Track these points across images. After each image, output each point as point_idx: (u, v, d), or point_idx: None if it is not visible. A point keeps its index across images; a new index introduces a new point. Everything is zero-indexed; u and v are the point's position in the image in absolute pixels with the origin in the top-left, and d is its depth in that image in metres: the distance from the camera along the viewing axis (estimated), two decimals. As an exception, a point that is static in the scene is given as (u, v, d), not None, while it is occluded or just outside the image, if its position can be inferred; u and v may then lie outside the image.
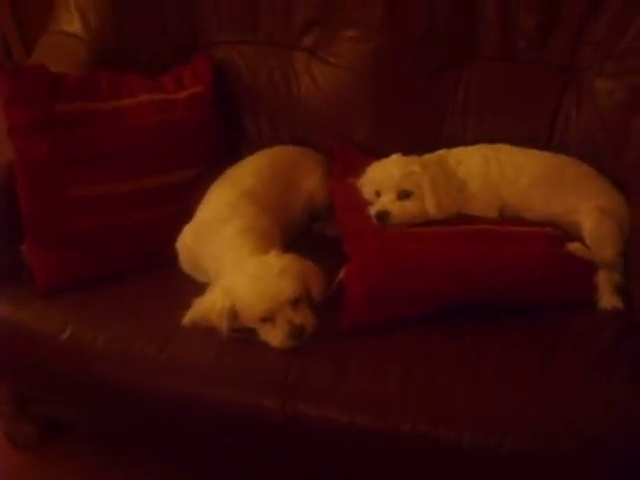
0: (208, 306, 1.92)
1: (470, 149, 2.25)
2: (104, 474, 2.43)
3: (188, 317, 1.95)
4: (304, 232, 2.34)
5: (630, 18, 2.22)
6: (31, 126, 2.11)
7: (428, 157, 2.23)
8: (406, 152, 2.23)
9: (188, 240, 2.12)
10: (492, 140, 2.29)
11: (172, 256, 2.16)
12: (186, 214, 2.18)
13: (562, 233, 2.10)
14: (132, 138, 2.22)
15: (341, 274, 1.98)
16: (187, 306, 1.97)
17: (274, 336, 1.89)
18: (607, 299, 1.95)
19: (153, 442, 2.21)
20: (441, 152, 2.27)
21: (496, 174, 2.17)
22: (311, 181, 2.33)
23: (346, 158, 2.36)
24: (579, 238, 2.08)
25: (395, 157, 2.18)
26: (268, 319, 1.88)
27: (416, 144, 2.34)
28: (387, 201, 2.11)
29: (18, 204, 2.13)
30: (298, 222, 2.31)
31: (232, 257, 1.98)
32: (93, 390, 2.06)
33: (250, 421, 1.89)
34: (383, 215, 2.08)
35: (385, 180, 2.13)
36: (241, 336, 1.92)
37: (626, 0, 2.22)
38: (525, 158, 2.20)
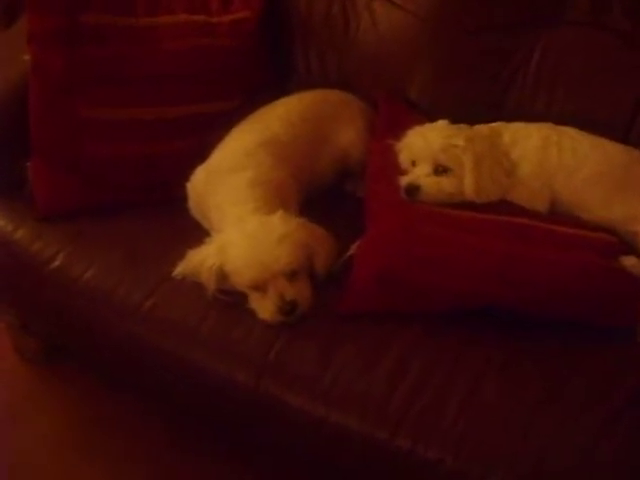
0: (199, 261, 1.76)
1: (531, 127, 1.94)
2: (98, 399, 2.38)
3: (179, 269, 1.80)
4: (333, 189, 2.12)
5: None
6: (50, 35, 1.96)
7: (480, 129, 1.94)
8: (459, 118, 1.96)
9: (198, 184, 1.94)
10: (561, 119, 1.98)
11: (184, 194, 1.99)
12: (207, 151, 2.00)
13: (619, 242, 1.81)
14: (161, 61, 2.05)
15: (352, 249, 1.77)
16: (183, 255, 1.82)
17: (263, 307, 1.71)
18: None
19: (136, 383, 2.06)
20: (497, 125, 1.97)
21: (554, 161, 1.87)
22: (348, 134, 2.09)
23: (392, 113, 2.10)
24: (637, 251, 1.79)
25: (441, 124, 1.91)
26: (259, 288, 1.70)
27: (474, 110, 2.08)
28: (421, 174, 1.85)
29: (28, 118, 1.99)
30: (326, 178, 2.09)
31: (235, 211, 1.80)
32: (76, 325, 1.96)
33: (222, 391, 1.74)
34: (413, 189, 1.83)
35: (423, 150, 1.86)
36: (230, 299, 1.76)
37: None
38: (590, 148, 1.88)
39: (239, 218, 1.76)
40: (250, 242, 1.69)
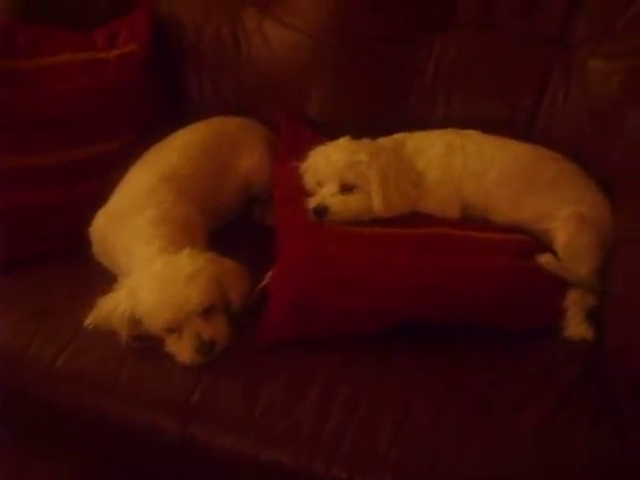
0: (110, 309, 1.68)
1: (434, 135, 1.93)
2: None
3: (90, 319, 1.71)
4: (241, 218, 2.07)
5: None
6: None
7: (383, 142, 1.91)
8: (363, 132, 1.93)
9: (100, 228, 1.86)
10: (463, 122, 1.96)
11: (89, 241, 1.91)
12: (107, 193, 1.92)
13: (533, 241, 1.80)
14: (50, 104, 1.97)
15: (266, 279, 1.72)
16: (94, 304, 1.73)
17: (180, 350, 1.64)
18: (575, 327, 1.67)
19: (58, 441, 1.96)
20: (400, 136, 1.94)
21: (460, 167, 1.85)
22: (249, 161, 2.04)
23: (294, 135, 2.06)
24: (551, 249, 1.78)
25: (342, 141, 1.87)
26: (174, 330, 1.63)
27: (376, 122, 2.06)
28: (327, 194, 1.81)
29: None
30: (231, 208, 2.03)
31: (141, 253, 1.73)
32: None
33: (147, 441, 1.66)
34: (321, 210, 1.79)
35: (327, 169, 1.83)
36: (145, 345, 1.68)
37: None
38: (496, 149, 1.87)
39: (146, 260, 1.69)
40: (159, 284, 1.62)
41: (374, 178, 1.79)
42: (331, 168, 1.82)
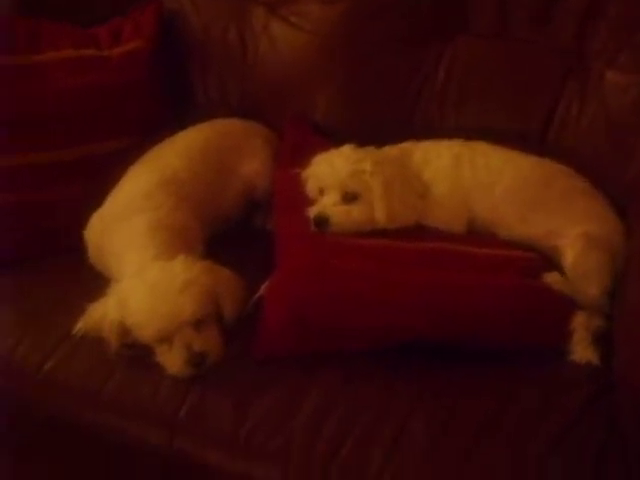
0: (99, 316, 1.62)
1: (442, 145, 1.87)
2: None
3: (79, 326, 1.66)
4: (242, 223, 2.01)
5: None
6: None
7: (389, 150, 1.86)
8: (368, 139, 1.87)
9: (95, 232, 1.81)
10: (473, 132, 1.90)
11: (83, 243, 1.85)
12: (104, 194, 1.87)
13: (540, 259, 1.74)
14: (50, 101, 1.92)
15: (262, 290, 1.66)
16: (84, 309, 1.67)
17: (170, 361, 1.58)
18: (581, 351, 1.60)
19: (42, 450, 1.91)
20: (407, 145, 1.89)
21: (467, 179, 1.80)
22: (252, 165, 1.98)
23: (297, 139, 2.00)
24: (560, 267, 1.71)
25: (347, 149, 1.81)
26: (164, 340, 1.57)
27: (382, 130, 2.01)
28: (329, 203, 1.75)
29: None
30: (232, 213, 1.97)
31: (135, 259, 1.67)
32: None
33: (133, 454, 1.60)
34: (322, 220, 1.73)
35: (330, 177, 1.77)
36: (135, 354, 1.63)
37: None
38: (504, 163, 1.81)
39: (139, 266, 1.64)
40: (151, 292, 1.56)
41: (378, 188, 1.73)
42: (334, 176, 1.76)
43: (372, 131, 1.96)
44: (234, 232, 1.95)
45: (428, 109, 2.02)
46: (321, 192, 1.79)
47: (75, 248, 1.82)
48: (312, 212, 1.75)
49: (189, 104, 2.22)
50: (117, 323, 1.58)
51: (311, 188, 1.83)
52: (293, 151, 1.95)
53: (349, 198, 1.75)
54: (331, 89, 2.09)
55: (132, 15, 2.11)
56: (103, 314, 1.61)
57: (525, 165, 1.81)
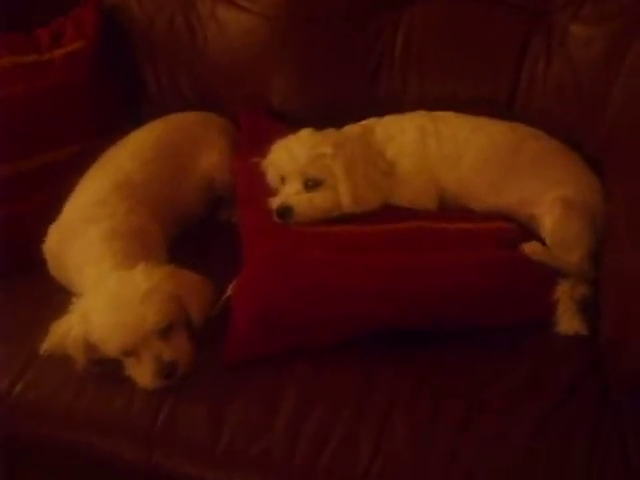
0: (63, 333, 1.55)
1: (405, 119, 1.78)
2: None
3: (45, 344, 1.58)
4: (207, 218, 1.92)
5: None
6: None
7: (350, 130, 1.77)
8: (332, 119, 1.81)
9: (52, 244, 1.73)
10: (438, 102, 1.84)
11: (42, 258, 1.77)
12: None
13: (517, 229, 1.67)
14: (-4, 112, 1.83)
15: (229, 289, 1.58)
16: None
17: (140, 374, 1.51)
18: (567, 322, 1.53)
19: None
20: (369, 122, 1.80)
21: (434, 153, 1.71)
22: (210, 158, 1.89)
23: (255, 128, 1.93)
24: (538, 235, 1.64)
25: (304, 133, 1.73)
26: (132, 353, 1.50)
27: (343, 109, 1.94)
28: (291, 192, 1.67)
29: None
30: (193, 210, 1.89)
31: (92, 272, 1.59)
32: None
33: (110, 472, 1.54)
34: (285, 211, 1.65)
35: (289, 165, 1.68)
36: (104, 369, 1.56)
37: None
38: (471, 131, 1.72)
39: (97, 278, 1.56)
40: (111, 305, 1.49)
41: (340, 171, 1.65)
42: (293, 163, 1.67)
43: (333, 112, 1.89)
44: (199, 228, 1.88)
45: (389, 82, 1.94)
46: (282, 181, 1.71)
47: (38, 264, 1.75)
48: (274, 203, 1.67)
49: (142, 100, 2.14)
50: (81, 339, 1.51)
51: (272, 177, 1.75)
52: (251, 140, 1.87)
53: (311, 185, 1.67)
54: (285, 72, 2.01)
55: (73, 14, 2.02)
56: (66, 331, 1.53)
57: (493, 131, 1.73)
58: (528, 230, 1.67)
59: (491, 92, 1.86)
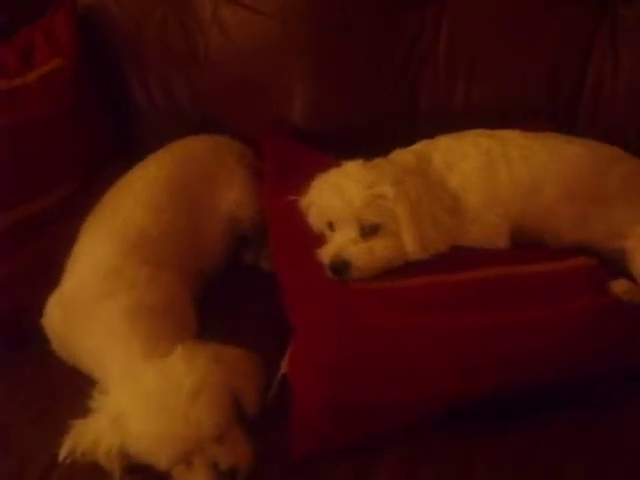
0: (92, 441, 1.26)
1: (465, 141, 1.52)
2: None
3: (66, 450, 1.28)
4: (230, 264, 1.65)
5: None
6: None
7: (402, 160, 1.51)
8: (363, 138, 1.63)
9: (56, 323, 1.44)
10: (488, 111, 1.66)
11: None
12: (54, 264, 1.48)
13: (600, 265, 1.44)
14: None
15: (283, 367, 1.34)
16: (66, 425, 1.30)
17: (193, 484, 1.25)
18: None
19: None
20: (422, 147, 1.54)
21: (504, 183, 1.46)
22: (232, 194, 1.63)
23: (280, 153, 1.65)
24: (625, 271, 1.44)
25: (354, 168, 1.45)
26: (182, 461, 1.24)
27: (380, 126, 1.70)
28: (345, 241, 1.40)
29: None
30: (217, 259, 1.62)
31: (118, 358, 1.32)
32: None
33: None
34: (341, 267, 1.38)
35: (341, 208, 1.41)
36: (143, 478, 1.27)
37: None
38: (546, 154, 1.47)
39: (125, 369, 1.29)
40: (154, 409, 1.22)
41: (404, 215, 1.39)
42: (347, 207, 1.40)
43: (364, 128, 1.66)
44: (224, 277, 1.60)
45: (431, 89, 1.71)
46: (330, 226, 1.44)
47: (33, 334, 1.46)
48: (325, 255, 1.41)
49: (133, 121, 1.82)
50: (117, 449, 1.24)
51: (316, 220, 1.48)
52: (279, 170, 1.59)
53: (368, 232, 1.41)
54: (305, 83, 1.75)
55: (42, 23, 1.69)
56: (96, 439, 1.26)
57: (571, 153, 1.48)
58: (610, 264, 1.45)
59: (549, 98, 1.66)
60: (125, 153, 1.68)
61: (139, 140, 1.73)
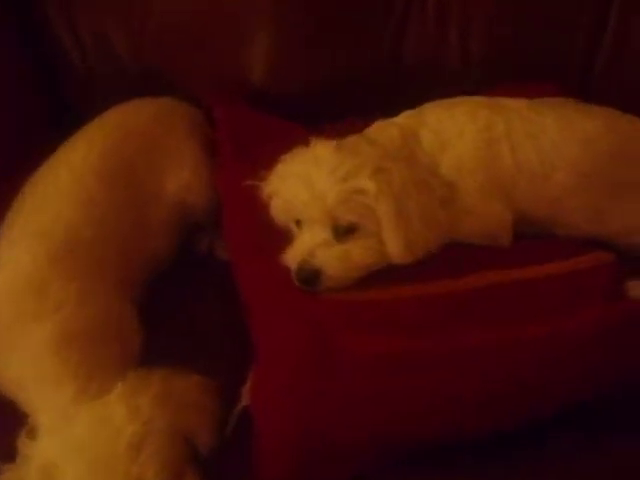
0: None
1: (460, 113, 1.27)
2: None
3: None
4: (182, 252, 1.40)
5: None
6: None
7: (384, 137, 1.25)
8: (338, 102, 1.39)
9: None
10: (488, 71, 1.45)
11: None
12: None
13: (617, 262, 1.23)
14: None
15: (244, 398, 1.13)
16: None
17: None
18: None
19: None
20: (408, 119, 1.29)
21: (507, 166, 1.23)
22: (181, 176, 1.36)
23: (236, 120, 1.40)
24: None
25: (325, 153, 1.19)
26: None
27: (355, 87, 1.46)
28: (316, 243, 1.17)
29: None
30: (163, 251, 1.36)
31: (46, 399, 1.11)
32: None
33: None
34: (311, 277, 1.15)
35: (310, 205, 1.17)
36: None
37: None
38: (558, 130, 1.23)
39: (56, 411, 1.08)
40: (89, 465, 1.02)
41: (387, 213, 1.15)
42: (317, 203, 1.16)
43: (337, 89, 1.44)
44: (172, 271, 1.36)
45: (419, 44, 1.45)
46: (297, 223, 1.21)
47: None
48: (291, 259, 1.18)
49: (64, 84, 1.53)
50: None
51: (279, 214, 1.24)
52: (234, 143, 1.36)
53: (343, 232, 1.17)
54: (270, 35, 1.49)
55: None
56: None
57: (588, 131, 1.24)
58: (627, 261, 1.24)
59: (561, 57, 1.44)
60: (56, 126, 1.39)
61: (76, 105, 1.46)
